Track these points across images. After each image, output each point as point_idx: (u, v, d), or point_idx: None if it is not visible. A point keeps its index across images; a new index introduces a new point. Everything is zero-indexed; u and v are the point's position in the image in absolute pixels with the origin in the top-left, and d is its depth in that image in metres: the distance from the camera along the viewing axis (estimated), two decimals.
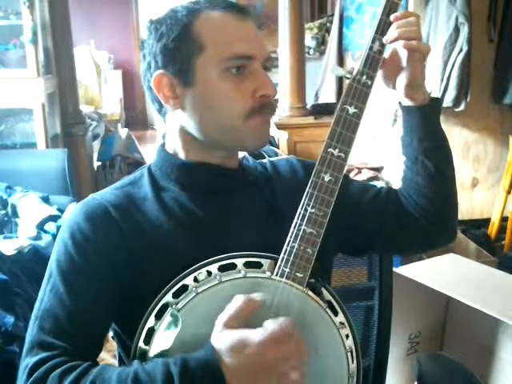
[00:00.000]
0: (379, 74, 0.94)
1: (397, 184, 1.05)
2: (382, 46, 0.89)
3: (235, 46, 0.86)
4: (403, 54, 0.92)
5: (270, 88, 0.88)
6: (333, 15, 4.47)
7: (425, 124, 0.96)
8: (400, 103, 0.98)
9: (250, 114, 0.88)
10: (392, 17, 0.90)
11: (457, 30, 2.96)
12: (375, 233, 1.02)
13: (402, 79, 0.93)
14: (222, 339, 0.74)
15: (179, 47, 0.87)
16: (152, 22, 0.91)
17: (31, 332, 0.82)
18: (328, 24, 4.97)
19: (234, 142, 0.91)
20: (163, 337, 0.79)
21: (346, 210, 0.97)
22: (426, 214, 1.00)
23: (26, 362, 0.79)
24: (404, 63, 0.92)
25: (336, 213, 0.87)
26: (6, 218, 2.52)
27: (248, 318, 0.75)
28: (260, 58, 0.89)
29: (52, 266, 0.86)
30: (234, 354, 0.72)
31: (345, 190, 0.94)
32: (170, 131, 0.95)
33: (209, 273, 0.82)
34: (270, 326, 0.74)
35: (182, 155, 0.94)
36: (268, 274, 0.83)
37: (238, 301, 0.76)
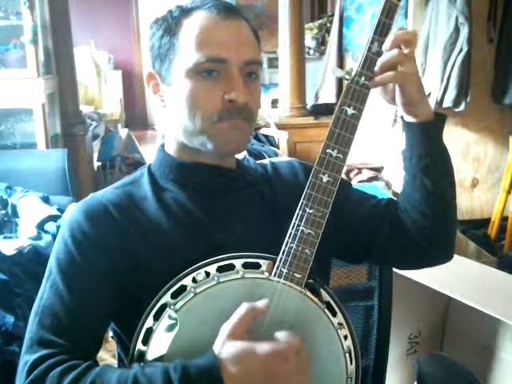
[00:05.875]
0: (377, 91, 0.93)
1: (397, 185, 1.05)
2: (381, 46, 0.89)
3: (207, 48, 0.86)
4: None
5: (238, 93, 0.86)
6: (333, 15, 4.47)
7: (425, 142, 0.93)
8: (402, 117, 0.95)
9: (219, 118, 0.87)
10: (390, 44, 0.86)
11: (457, 30, 2.96)
12: (370, 244, 1.00)
13: (398, 97, 0.91)
14: (227, 348, 0.73)
15: (162, 47, 0.90)
16: (153, 21, 0.93)
17: (31, 328, 0.82)
18: (328, 24, 4.97)
19: (207, 145, 0.90)
20: (161, 337, 0.79)
21: (344, 217, 0.96)
22: (421, 232, 0.97)
23: (26, 359, 0.79)
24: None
25: (334, 218, 0.87)
26: (6, 218, 2.52)
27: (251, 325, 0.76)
28: (237, 62, 0.87)
29: (52, 263, 0.86)
30: (236, 365, 0.72)
31: (344, 197, 0.94)
32: (167, 131, 0.96)
33: (207, 273, 0.82)
34: (279, 340, 0.75)
35: (178, 154, 0.95)
36: (266, 274, 0.83)
37: (242, 309, 0.76)
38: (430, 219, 0.96)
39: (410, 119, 0.93)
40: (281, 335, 0.76)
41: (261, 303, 0.78)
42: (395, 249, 1.01)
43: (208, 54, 0.86)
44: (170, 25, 0.90)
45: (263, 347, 0.73)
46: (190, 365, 0.73)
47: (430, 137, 0.93)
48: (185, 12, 0.90)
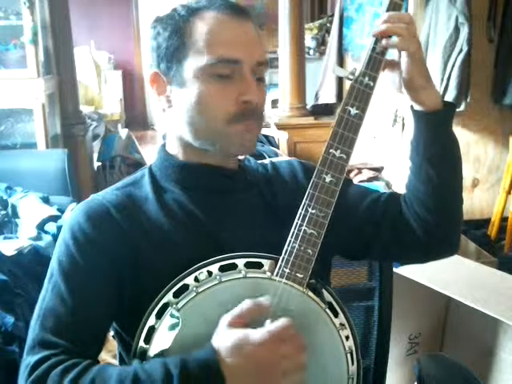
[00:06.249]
0: (386, 78, 0.93)
1: (397, 185, 1.04)
2: (385, 47, 0.89)
3: (222, 49, 0.86)
4: (398, 55, 0.91)
5: (253, 95, 0.87)
6: (333, 15, 4.47)
7: (432, 131, 0.92)
8: (411, 107, 0.95)
9: (233, 119, 0.87)
10: (384, 16, 0.88)
11: (457, 30, 2.96)
12: (371, 239, 0.99)
13: (403, 82, 0.91)
14: (223, 339, 0.74)
15: (170, 47, 0.88)
16: (154, 20, 0.91)
17: (33, 330, 0.82)
18: (328, 24, 4.97)
19: (217, 146, 0.90)
20: (163, 336, 0.80)
21: (344, 213, 0.95)
22: (424, 225, 0.96)
23: (28, 360, 0.79)
24: (400, 64, 0.90)
25: (335, 215, 0.87)
26: (6, 219, 2.52)
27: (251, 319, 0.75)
28: (249, 63, 0.87)
29: (53, 265, 0.86)
30: (233, 354, 0.72)
31: (344, 193, 0.93)
32: (171, 130, 0.95)
33: (209, 273, 0.82)
34: (270, 326, 0.74)
35: (181, 155, 0.94)
36: (268, 274, 0.83)
37: (244, 304, 0.76)
38: (433, 214, 0.95)
39: (417, 107, 0.93)
40: (272, 322, 0.75)
41: (263, 299, 0.77)
42: (397, 243, 1.00)
43: (221, 54, 0.85)
44: (178, 24, 0.88)
45: (256, 333, 0.73)
46: (189, 358, 0.73)
47: (438, 126, 0.92)
48: (193, 11, 0.89)
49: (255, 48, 0.89)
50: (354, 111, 0.87)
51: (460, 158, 0.96)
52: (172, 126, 0.94)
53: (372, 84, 0.88)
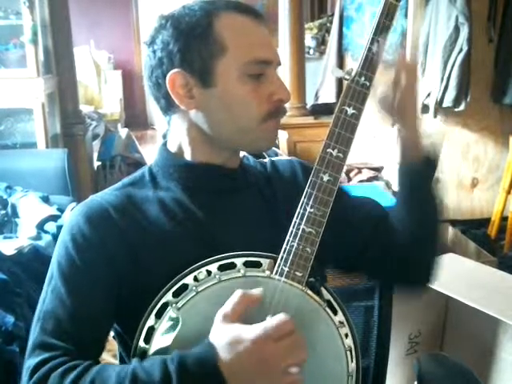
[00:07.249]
0: (377, 100, 0.95)
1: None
2: (381, 47, 0.89)
3: (256, 50, 0.87)
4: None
5: (285, 93, 0.90)
6: (333, 15, 4.48)
7: (411, 187, 0.97)
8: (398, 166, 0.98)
9: (266, 118, 0.89)
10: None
11: (457, 29, 2.96)
12: (370, 239, 1.00)
13: (396, 108, 0.94)
14: (219, 335, 0.74)
15: (200, 47, 0.86)
16: (167, 18, 0.89)
17: (33, 333, 0.82)
18: (328, 24, 4.97)
19: (246, 143, 0.92)
20: (163, 336, 0.80)
21: (342, 213, 0.96)
22: (405, 249, 0.99)
23: (29, 363, 0.79)
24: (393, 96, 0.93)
25: (333, 215, 0.87)
26: (6, 218, 2.52)
27: (245, 312, 0.75)
28: (276, 63, 0.90)
29: (53, 267, 0.86)
30: (229, 350, 0.72)
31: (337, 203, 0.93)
32: (176, 130, 0.94)
33: (208, 272, 0.82)
34: (267, 321, 0.74)
35: (186, 154, 0.94)
36: (267, 273, 0.83)
37: (235, 296, 0.76)
38: (409, 249, 0.99)
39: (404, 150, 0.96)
40: (271, 318, 0.75)
41: (255, 290, 0.78)
42: (382, 265, 1.02)
43: (258, 55, 0.87)
44: (208, 24, 0.86)
45: (252, 329, 0.73)
46: (187, 355, 0.73)
47: (417, 182, 0.96)
48: (211, 11, 0.87)
49: (275, 49, 0.92)
50: (350, 111, 0.88)
51: (439, 207, 0.99)
52: (185, 124, 0.92)
53: (368, 84, 0.88)
